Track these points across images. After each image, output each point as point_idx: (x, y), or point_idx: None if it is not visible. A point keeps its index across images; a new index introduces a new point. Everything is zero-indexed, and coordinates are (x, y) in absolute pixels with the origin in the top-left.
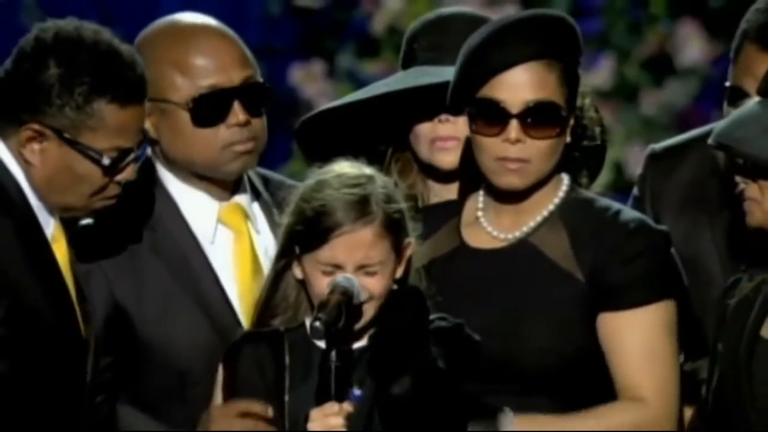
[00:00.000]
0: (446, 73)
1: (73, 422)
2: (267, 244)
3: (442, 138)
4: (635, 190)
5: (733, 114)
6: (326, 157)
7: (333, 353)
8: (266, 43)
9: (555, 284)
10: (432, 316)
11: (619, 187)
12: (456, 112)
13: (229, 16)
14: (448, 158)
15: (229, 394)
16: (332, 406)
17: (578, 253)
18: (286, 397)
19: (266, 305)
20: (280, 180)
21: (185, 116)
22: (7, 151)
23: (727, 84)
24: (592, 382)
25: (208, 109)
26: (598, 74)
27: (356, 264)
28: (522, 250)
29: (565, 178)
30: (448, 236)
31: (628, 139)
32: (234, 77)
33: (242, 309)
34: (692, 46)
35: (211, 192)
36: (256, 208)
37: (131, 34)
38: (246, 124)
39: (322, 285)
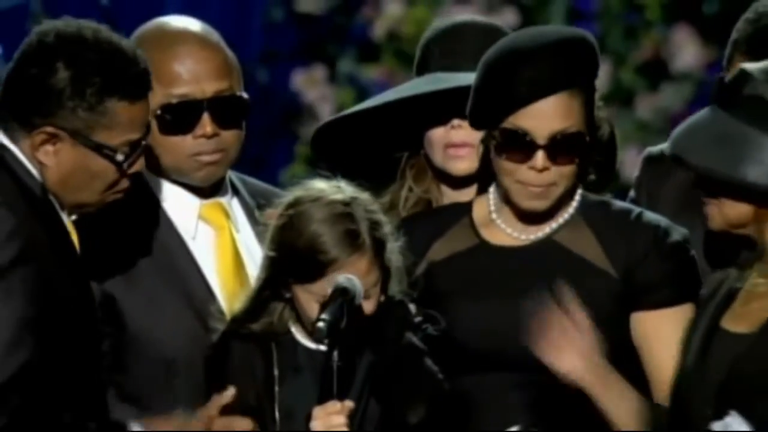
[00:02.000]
0: (459, 79)
1: (91, 406)
2: (247, 242)
3: (456, 145)
4: (632, 193)
5: (686, 122)
6: (342, 163)
7: (335, 353)
8: (268, 48)
9: (586, 280)
10: (417, 319)
11: (615, 190)
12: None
13: (232, 22)
14: (462, 165)
15: (218, 390)
16: (335, 405)
17: (609, 251)
18: (276, 388)
19: (245, 321)
20: (257, 184)
21: (154, 122)
22: (21, 153)
23: None
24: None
25: (176, 118)
26: None
27: None
28: (549, 247)
29: (578, 184)
30: (464, 234)
31: (624, 143)
32: (207, 89)
33: (225, 301)
34: (687, 52)
35: (192, 190)
36: (236, 208)
37: None
38: (213, 136)
39: (315, 312)
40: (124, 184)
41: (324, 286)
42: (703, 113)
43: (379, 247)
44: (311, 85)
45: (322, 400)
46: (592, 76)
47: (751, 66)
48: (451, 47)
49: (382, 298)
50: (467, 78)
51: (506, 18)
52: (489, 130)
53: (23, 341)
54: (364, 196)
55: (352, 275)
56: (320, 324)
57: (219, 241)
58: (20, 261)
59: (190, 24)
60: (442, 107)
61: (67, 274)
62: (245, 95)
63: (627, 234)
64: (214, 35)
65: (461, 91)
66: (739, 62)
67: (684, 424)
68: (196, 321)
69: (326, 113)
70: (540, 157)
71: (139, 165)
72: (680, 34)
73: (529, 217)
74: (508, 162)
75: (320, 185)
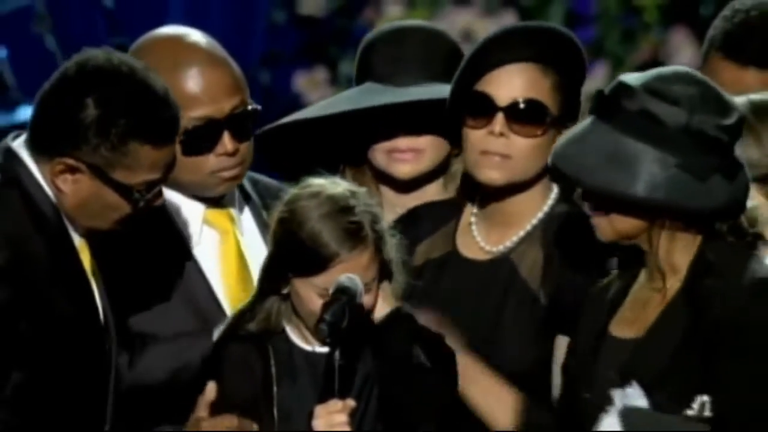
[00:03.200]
0: (402, 94)
1: (94, 425)
2: (253, 245)
3: (401, 149)
4: None
5: (570, 138)
6: (286, 164)
7: (337, 352)
8: (271, 50)
9: (522, 304)
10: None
11: None
12: (417, 129)
13: (235, 24)
14: (405, 169)
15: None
16: (336, 404)
17: (546, 275)
18: (275, 389)
19: (245, 315)
20: (268, 183)
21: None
22: (39, 172)
23: None
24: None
25: (198, 140)
26: (593, 81)
27: None
28: (502, 266)
29: (554, 189)
30: (444, 240)
31: None
32: (225, 107)
33: (230, 306)
34: (684, 54)
35: (198, 197)
36: (244, 210)
37: None
38: (234, 153)
39: (316, 304)
40: (140, 216)
41: (326, 280)
42: (586, 128)
43: (379, 240)
44: (313, 87)
45: (323, 398)
46: (571, 70)
47: (629, 78)
48: (395, 54)
49: (390, 309)
50: (410, 93)
51: (505, 20)
52: (462, 103)
53: None
54: (362, 190)
55: (353, 274)
56: (322, 326)
57: (224, 245)
58: None
59: (198, 40)
60: (386, 122)
61: (66, 293)
62: (257, 106)
63: (568, 258)
64: (220, 48)
65: (405, 106)
66: (714, 59)
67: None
68: (199, 327)
69: None
70: (499, 119)
71: (160, 202)
72: (678, 37)
73: (497, 221)
74: (472, 130)
75: (318, 181)
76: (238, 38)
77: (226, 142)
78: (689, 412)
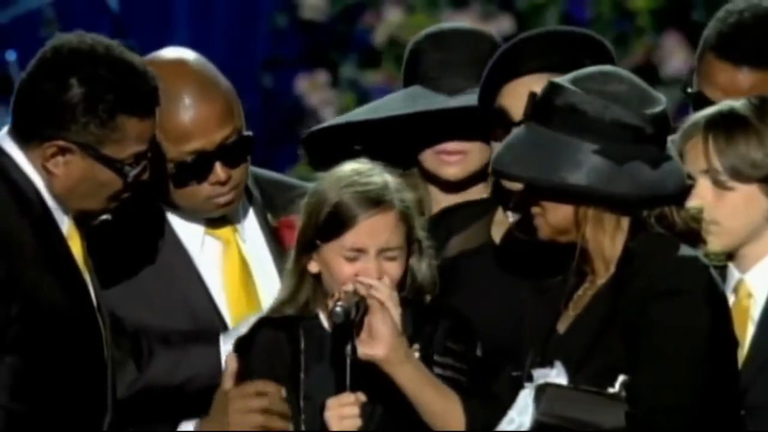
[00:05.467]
0: (451, 99)
1: (95, 413)
2: (256, 253)
3: (449, 151)
4: None
5: (504, 141)
6: (331, 165)
7: (349, 346)
8: (274, 54)
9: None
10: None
11: None
12: (462, 136)
13: (239, 29)
14: (453, 171)
15: (241, 380)
16: (348, 396)
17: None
18: (302, 376)
19: (288, 298)
20: (269, 176)
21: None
22: (23, 156)
23: (690, 90)
24: None
25: (190, 172)
26: None
27: (378, 248)
28: (532, 251)
29: None
30: (478, 233)
31: None
32: (216, 137)
33: (231, 316)
34: (677, 57)
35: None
36: (248, 213)
37: (145, 45)
38: (226, 181)
39: (343, 271)
40: (129, 192)
41: (353, 240)
42: (519, 130)
43: (404, 211)
44: (314, 90)
45: (336, 390)
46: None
47: (559, 79)
48: (443, 57)
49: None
50: (459, 98)
51: (502, 25)
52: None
53: None
54: (389, 172)
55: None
56: (337, 309)
57: (226, 255)
58: None
59: (191, 70)
60: (435, 128)
61: (55, 279)
62: (249, 133)
63: None
64: (214, 75)
65: (454, 111)
66: (708, 59)
67: None
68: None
69: (329, 116)
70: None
71: (145, 176)
72: (670, 41)
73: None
74: (495, 143)
75: (350, 163)
76: (242, 42)
77: (219, 171)
78: (610, 391)
